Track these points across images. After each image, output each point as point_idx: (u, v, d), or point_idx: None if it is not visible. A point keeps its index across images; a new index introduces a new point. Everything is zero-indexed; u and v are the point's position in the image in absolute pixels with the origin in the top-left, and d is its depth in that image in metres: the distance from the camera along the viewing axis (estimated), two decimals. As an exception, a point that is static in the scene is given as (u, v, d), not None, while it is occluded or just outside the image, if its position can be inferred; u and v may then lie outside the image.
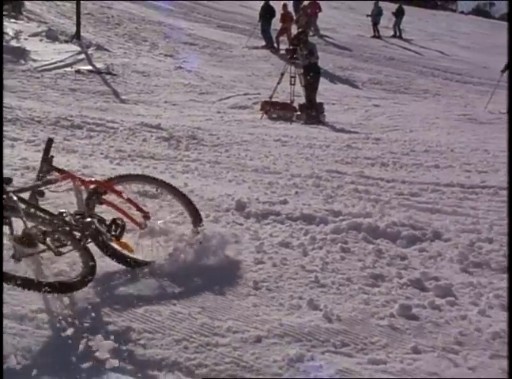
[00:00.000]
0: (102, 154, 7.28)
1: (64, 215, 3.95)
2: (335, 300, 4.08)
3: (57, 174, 4.40)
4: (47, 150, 4.51)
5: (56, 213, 3.98)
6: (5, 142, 7.18)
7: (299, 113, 12.28)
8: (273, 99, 12.37)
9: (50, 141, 4.56)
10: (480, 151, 9.48)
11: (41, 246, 3.68)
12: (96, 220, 3.97)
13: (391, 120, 12.47)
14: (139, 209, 4.48)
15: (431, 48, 25.00)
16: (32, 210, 3.97)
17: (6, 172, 5.86)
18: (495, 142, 10.39)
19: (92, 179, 4.64)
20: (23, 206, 3.86)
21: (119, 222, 4.02)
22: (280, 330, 3.59)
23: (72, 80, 12.42)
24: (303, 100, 12.49)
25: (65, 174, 4.40)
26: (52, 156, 4.48)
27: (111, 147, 7.67)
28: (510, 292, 3.84)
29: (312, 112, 12.09)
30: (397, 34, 26.88)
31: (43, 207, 4.16)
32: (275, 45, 19.78)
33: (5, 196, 3.76)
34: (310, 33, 19.17)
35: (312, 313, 3.85)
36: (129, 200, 4.51)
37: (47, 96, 10.94)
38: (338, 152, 8.73)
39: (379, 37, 25.76)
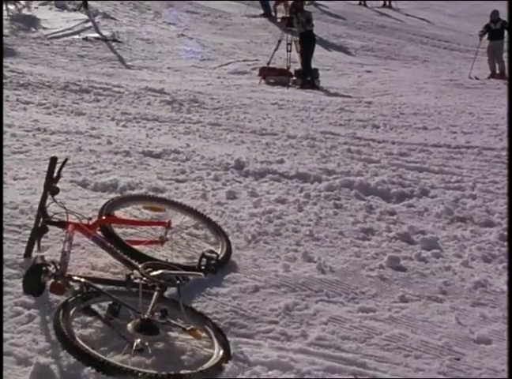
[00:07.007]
0: (108, 116, 7.22)
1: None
2: (328, 252, 4.08)
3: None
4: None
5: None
6: (18, 105, 7.14)
7: (295, 78, 12.12)
8: (271, 65, 12.20)
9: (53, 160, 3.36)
10: (465, 113, 9.40)
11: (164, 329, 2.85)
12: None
13: (382, 85, 12.31)
14: (156, 223, 3.91)
15: (421, 17, 24.53)
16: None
17: (20, 133, 5.81)
18: (479, 105, 10.30)
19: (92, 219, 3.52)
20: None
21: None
22: (277, 281, 3.58)
23: (80, 47, 12.25)
24: (298, 66, 12.32)
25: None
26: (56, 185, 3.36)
27: (117, 110, 7.59)
28: (509, 290, 3.80)
29: (307, 77, 11.94)
30: (388, 3, 26.30)
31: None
32: (272, 13, 19.39)
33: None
34: (306, 2, 18.76)
35: (306, 265, 3.84)
36: (140, 223, 3.93)
37: (57, 62, 10.79)
38: (332, 115, 8.66)
39: (365, 5, 25.14)
